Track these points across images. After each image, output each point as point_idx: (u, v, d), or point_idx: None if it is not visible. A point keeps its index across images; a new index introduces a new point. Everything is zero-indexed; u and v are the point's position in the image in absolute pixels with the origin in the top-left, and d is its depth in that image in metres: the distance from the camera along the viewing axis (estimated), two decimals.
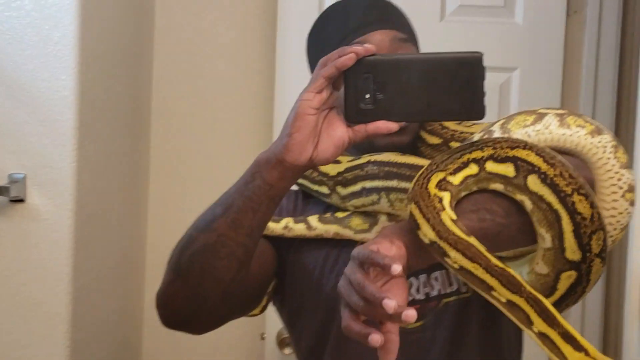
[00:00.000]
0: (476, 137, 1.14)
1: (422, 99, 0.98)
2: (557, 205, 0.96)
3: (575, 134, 1.06)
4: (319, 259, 1.25)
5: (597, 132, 1.07)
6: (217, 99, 2.41)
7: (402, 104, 0.99)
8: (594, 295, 2.31)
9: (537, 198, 0.97)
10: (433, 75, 0.98)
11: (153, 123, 2.40)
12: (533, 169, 0.97)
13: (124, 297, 2.25)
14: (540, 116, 1.08)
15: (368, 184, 1.19)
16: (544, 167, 0.97)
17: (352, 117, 1.00)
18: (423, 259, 0.98)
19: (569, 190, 0.96)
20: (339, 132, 1.01)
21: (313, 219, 1.25)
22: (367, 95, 0.99)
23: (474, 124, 1.23)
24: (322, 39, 1.27)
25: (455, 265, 0.93)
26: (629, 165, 1.08)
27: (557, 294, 1.05)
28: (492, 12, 2.30)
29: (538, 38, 2.29)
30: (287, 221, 1.25)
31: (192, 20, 2.39)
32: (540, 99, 2.27)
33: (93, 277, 1.94)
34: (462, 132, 1.21)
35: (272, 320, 1.40)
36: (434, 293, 1.21)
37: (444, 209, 0.95)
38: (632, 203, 1.07)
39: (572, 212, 0.96)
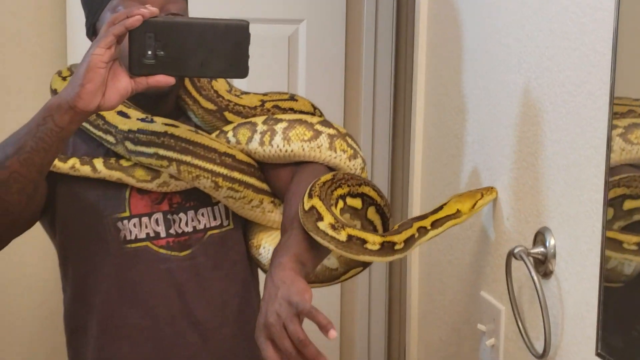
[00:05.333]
0: (259, 128, 1.36)
1: (197, 58, 1.15)
2: (380, 228, 1.29)
3: (338, 157, 1.35)
4: (95, 195, 1.38)
5: (354, 157, 1.36)
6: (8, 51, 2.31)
7: (180, 61, 1.15)
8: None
9: (368, 223, 1.28)
10: (206, 38, 1.15)
11: None
12: (372, 201, 1.27)
13: None
14: (317, 134, 1.34)
15: (162, 151, 1.34)
16: (378, 199, 1.28)
17: (136, 70, 1.15)
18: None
19: (388, 214, 1.29)
20: (123, 82, 1.16)
21: (99, 163, 1.37)
22: (149, 52, 1.14)
23: (244, 94, 1.43)
24: None
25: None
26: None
27: (339, 281, 1.41)
28: None
29: None
30: (74, 162, 1.36)
31: None
32: (326, 51, 2.44)
33: None
34: (235, 104, 1.41)
35: None
36: (201, 226, 1.42)
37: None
38: None
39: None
